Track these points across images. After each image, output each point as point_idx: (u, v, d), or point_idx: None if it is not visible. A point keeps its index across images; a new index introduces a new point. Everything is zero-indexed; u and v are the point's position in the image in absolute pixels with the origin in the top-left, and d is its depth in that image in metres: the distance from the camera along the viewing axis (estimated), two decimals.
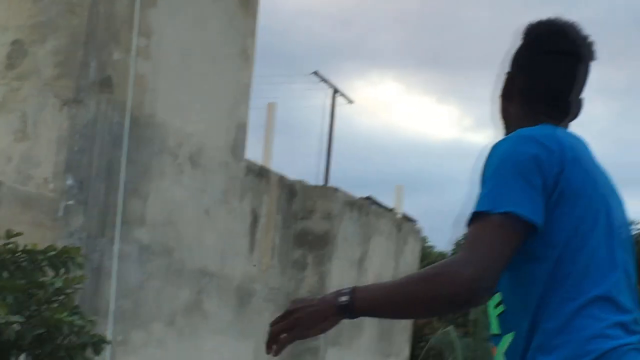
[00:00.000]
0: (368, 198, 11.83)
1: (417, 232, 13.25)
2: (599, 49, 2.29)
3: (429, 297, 1.90)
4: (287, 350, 2.04)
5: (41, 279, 5.79)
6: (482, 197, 1.93)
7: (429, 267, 1.98)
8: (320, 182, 12.16)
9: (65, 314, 5.67)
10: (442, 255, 21.76)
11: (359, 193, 11.73)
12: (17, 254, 5.84)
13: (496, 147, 1.98)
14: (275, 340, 1.91)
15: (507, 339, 2.03)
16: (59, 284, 5.80)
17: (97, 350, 5.83)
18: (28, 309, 5.68)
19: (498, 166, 1.93)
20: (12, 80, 8.14)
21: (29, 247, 5.84)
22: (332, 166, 13.64)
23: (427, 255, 20.69)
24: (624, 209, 2.15)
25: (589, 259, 1.97)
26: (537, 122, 2.05)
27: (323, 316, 1.90)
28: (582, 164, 1.99)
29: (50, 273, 5.89)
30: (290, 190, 10.63)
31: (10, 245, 5.84)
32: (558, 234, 1.96)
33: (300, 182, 10.89)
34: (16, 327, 5.39)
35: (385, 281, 2.07)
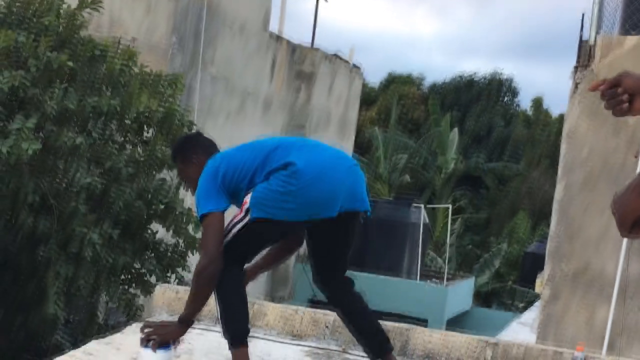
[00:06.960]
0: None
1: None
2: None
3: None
4: None
5: (161, 91, 7.17)
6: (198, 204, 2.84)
7: None
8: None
9: (175, 106, 7.12)
10: None
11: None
12: (150, 76, 7.12)
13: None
14: None
15: None
16: (169, 91, 7.17)
17: (189, 128, 7.09)
18: (155, 104, 6.89)
19: (200, 182, 2.90)
20: None
21: (157, 72, 7.26)
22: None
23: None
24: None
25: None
26: (203, 165, 2.97)
27: None
28: (231, 158, 2.90)
29: (163, 90, 7.04)
30: (293, 49, 13.23)
31: (145, 69, 7.14)
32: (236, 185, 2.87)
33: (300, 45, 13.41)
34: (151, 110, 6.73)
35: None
